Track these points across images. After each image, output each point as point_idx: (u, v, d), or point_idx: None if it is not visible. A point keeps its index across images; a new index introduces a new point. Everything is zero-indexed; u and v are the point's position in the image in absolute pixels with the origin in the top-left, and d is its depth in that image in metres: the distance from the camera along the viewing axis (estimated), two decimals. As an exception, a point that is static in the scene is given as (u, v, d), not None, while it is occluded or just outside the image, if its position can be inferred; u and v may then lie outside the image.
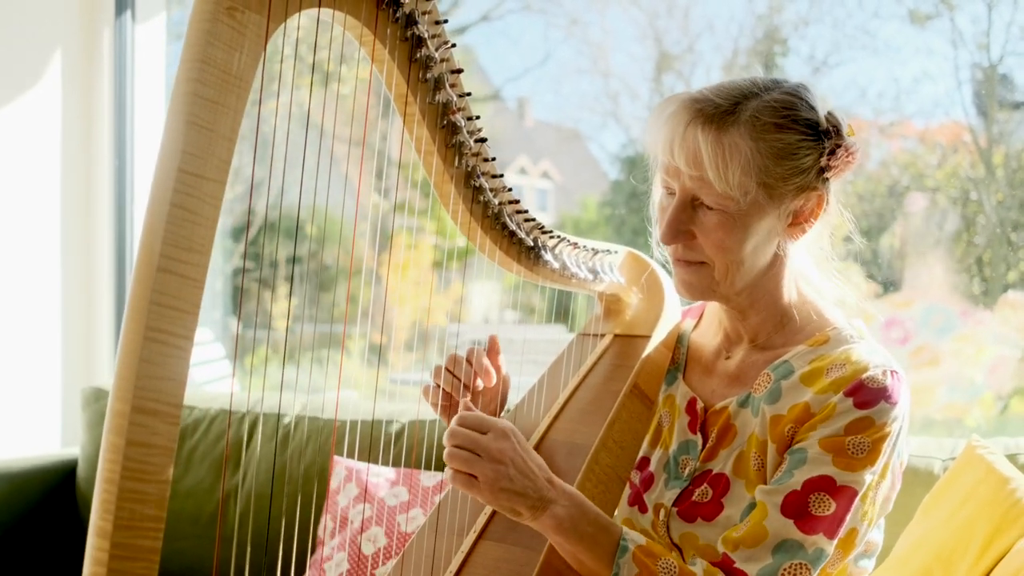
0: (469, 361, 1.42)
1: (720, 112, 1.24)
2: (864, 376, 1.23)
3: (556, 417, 1.42)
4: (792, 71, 3.44)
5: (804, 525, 1.20)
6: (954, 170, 3.16)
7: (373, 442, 2.31)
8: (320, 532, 2.21)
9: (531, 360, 1.64)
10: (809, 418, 1.24)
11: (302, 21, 1.00)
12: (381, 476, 2.20)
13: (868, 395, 1.22)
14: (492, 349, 1.46)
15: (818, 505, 1.20)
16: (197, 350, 3.37)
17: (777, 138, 1.24)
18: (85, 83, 2.99)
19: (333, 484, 2.22)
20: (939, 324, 3.06)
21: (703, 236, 1.28)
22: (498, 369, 1.46)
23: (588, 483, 1.28)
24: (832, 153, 1.27)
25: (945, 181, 3.17)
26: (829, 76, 3.39)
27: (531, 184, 5.14)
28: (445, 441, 1.16)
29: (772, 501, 1.21)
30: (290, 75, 1.02)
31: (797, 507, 1.20)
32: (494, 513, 1.29)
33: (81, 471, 2.59)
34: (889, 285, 3.17)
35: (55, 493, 2.60)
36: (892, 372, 1.25)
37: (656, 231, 1.36)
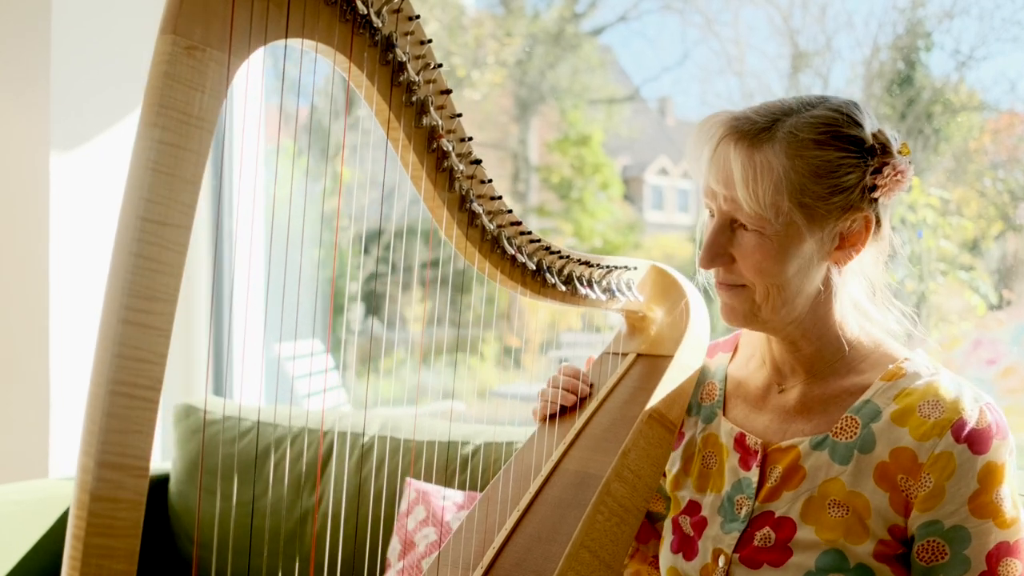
0: (579, 378, 1.45)
1: (756, 129, 1.19)
2: (964, 416, 1.17)
3: (571, 445, 1.34)
4: (936, 66, 3.26)
5: None
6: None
7: (446, 464, 2.28)
8: (388, 554, 2.20)
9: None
10: (918, 468, 1.17)
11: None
12: (450, 499, 2.17)
13: (979, 437, 1.17)
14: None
15: (1008, 570, 1.17)
16: (306, 361, 3.42)
17: (816, 155, 1.18)
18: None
19: (403, 506, 2.21)
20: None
21: (741, 259, 1.23)
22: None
23: (599, 516, 1.20)
24: (879, 171, 1.20)
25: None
26: (976, 70, 3.19)
27: (672, 184, 5.06)
28: None
29: None
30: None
31: None
32: (501, 549, 1.23)
33: (172, 485, 2.65)
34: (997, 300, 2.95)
35: (148, 506, 2.66)
36: (987, 405, 1.20)
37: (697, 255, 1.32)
